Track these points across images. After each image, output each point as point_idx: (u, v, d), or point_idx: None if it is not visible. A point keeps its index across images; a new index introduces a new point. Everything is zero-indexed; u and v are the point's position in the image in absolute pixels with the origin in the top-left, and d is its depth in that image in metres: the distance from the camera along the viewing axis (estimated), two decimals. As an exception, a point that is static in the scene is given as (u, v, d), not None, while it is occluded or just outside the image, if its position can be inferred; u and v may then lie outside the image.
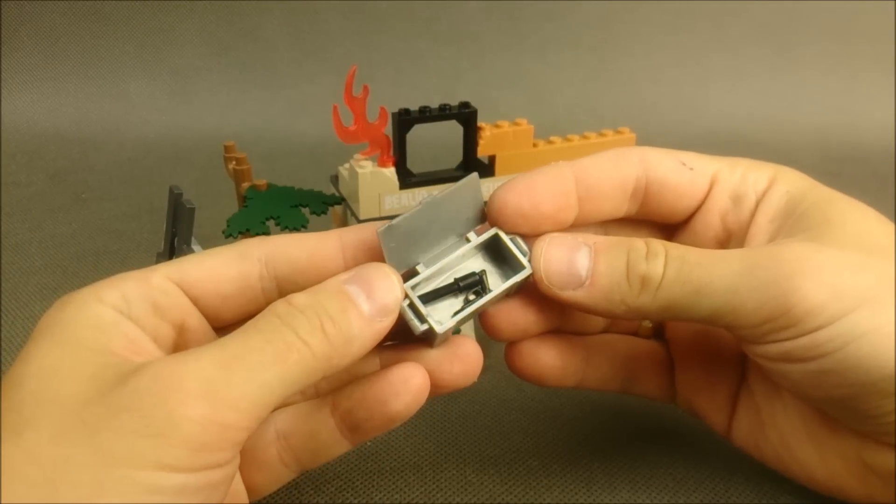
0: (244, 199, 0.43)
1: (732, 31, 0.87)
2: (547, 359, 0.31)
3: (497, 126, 0.44)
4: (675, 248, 0.27)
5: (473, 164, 0.44)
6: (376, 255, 0.26)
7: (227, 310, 0.26)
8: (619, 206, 0.30)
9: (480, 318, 0.29)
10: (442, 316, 0.26)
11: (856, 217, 0.28)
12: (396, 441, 0.36)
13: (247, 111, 0.83)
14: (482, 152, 0.44)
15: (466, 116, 0.43)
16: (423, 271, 0.26)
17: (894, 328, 0.25)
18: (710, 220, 0.31)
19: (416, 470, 0.34)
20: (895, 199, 0.65)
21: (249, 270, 0.26)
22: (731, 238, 0.30)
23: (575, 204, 0.29)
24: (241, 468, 0.27)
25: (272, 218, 0.41)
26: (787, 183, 0.30)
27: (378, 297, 0.24)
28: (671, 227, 0.32)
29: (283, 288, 0.27)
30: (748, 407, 0.31)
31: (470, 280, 0.27)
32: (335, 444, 0.27)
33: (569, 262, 0.27)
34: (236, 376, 0.21)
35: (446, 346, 0.27)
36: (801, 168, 0.31)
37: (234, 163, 0.48)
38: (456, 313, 0.26)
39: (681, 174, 0.30)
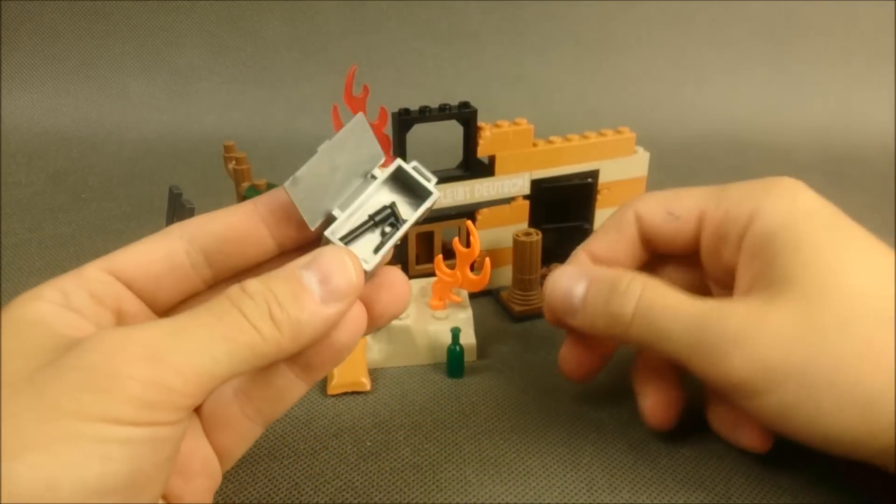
0: (244, 199, 0.43)
1: (732, 30, 0.87)
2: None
3: (497, 126, 0.44)
4: (651, 290, 0.30)
5: (473, 163, 0.44)
6: (294, 213, 0.26)
7: (163, 291, 0.26)
8: (638, 257, 0.35)
9: (560, 365, 0.35)
10: (365, 253, 0.27)
11: (827, 260, 0.28)
12: (396, 441, 0.36)
13: (247, 111, 0.83)
14: (482, 152, 0.44)
15: (466, 116, 0.43)
16: (340, 215, 0.27)
17: (818, 403, 0.26)
18: (710, 257, 0.33)
19: (416, 470, 0.34)
20: (895, 200, 0.65)
21: (174, 247, 0.26)
22: (735, 269, 0.32)
23: None
24: (207, 433, 0.27)
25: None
26: (766, 216, 0.30)
27: (333, 281, 0.24)
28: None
29: (212, 260, 0.27)
30: None
31: (383, 214, 0.28)
32: (292, 385, 0.27)
33: (567, 292, 0.32)
34: (183, 344, 0.21)
35: (374, 278, 0.27)
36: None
37: (233, 162, 0.48)
38: (377, 248, 0.27)
39: (668, 223, 0.33)
